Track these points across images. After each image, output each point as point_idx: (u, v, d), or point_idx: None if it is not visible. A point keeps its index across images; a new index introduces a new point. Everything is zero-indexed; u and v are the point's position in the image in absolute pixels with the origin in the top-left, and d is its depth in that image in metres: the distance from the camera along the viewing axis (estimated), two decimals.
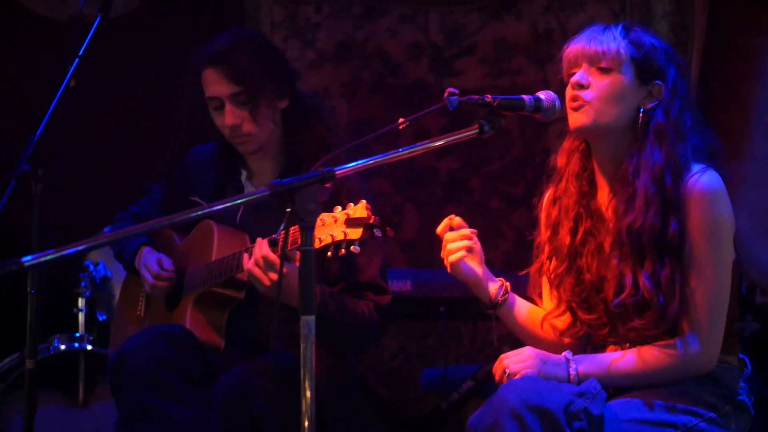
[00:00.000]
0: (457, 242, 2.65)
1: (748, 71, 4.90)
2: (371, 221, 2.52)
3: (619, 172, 2.61)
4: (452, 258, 2.65)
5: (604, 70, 2.58)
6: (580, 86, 2.58)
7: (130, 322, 3.59)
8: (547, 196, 2.79)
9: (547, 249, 2.74)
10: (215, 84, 3.28)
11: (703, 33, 4.83)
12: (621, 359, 2.55)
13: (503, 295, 2.71)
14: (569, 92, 2.61)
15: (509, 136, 5.22)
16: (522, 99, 2.49)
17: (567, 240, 2.67)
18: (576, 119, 2.60)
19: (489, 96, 2.43)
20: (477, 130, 2.41)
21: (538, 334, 2.77)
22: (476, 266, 2.68)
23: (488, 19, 5.30)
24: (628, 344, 2.59)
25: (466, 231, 2.66)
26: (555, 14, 5.20)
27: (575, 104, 2.59)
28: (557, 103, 2.54)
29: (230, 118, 3.27)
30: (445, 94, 2.39)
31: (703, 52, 4.80)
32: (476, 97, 2.42)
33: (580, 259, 2.66)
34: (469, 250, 2.65)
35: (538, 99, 2.51)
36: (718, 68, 4.78)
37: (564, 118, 2.67)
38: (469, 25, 5.31)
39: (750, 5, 4.93)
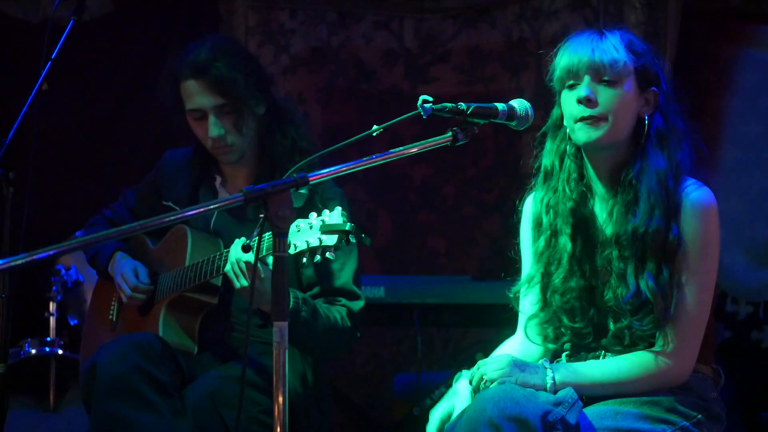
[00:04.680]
0: None
1: (719, 81, 4.95)
2: (346, 228, 2.52)
3: (619, 178, 2.59)
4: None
5: (609, 83, 2.54)
6: (589, 101, 2.54)
7: (101, 327, 3.57)
8: (534, 197, 2.74)
9: (541, 254, 2.69)
10: (198, 95, 3.24)
11: (675, 43, 4.88)
12: (597, 369, 2.55)
13: None
14: (575, 107, 2.56)
15: (483, 144, 5.24)
16: (495, 107, 2.46)
17: (566, 246, 2.64)
18: (590, 136, 2.55)
19: (462, 104, 2.43)
20: (450, 138, 2.41)
21: None
22: None
23: (462, 27, 5.32)
24: (605, 354, 2.60)
25: None
26: (529, 23, 5.22)
27: (589, 122, 2.55)
28: (530, 112, 2.50)
29: (215, 129, 3.24)
30: (419, 102, 2.38)
31: (674, 61, 4.84)
32: (450, 105, 2.41)
33: (577, 265, 2.64)
34: None
35: (512, 107, 2.49)
36: (689, 78, 4.82)
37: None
38: (443, 32, 5.33)
39: (721, 16, 4.98)
